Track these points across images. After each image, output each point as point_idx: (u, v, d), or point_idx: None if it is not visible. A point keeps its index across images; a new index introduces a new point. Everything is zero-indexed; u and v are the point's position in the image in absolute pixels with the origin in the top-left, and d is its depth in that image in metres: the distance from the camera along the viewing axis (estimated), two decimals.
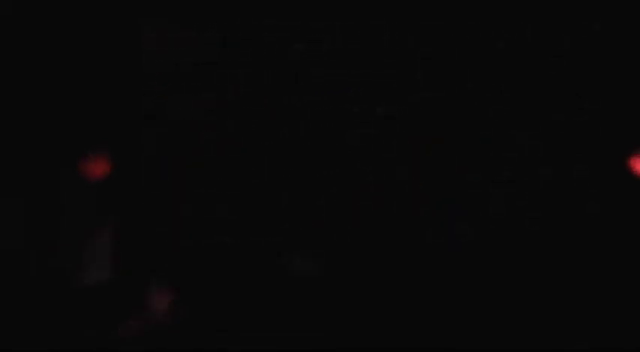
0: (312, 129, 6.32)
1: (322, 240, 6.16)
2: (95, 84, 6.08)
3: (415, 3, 6.22)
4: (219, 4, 6.28)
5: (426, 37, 6.25)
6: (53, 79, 6.00)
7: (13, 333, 5.18)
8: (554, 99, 6.20)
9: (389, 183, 6.27)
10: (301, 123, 6.33)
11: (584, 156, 6.17)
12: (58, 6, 6.02)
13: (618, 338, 5.33)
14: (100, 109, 6.09)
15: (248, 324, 5.46)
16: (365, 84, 6.28)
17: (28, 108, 5.93)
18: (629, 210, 6.03)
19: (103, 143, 6.08)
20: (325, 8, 6.23)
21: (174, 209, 6.21)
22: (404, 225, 6.18)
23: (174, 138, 6.31)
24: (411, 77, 6.27)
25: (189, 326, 5.24)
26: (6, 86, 5.88)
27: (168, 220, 6.17)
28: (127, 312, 5.03)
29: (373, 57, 6.28)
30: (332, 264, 6.03)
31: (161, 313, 4.89)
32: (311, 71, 6.30)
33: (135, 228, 6.05)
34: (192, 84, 6.31)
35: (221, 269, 5.92)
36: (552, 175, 6.19)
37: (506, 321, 5.55)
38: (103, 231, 5.70)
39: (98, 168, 6.03)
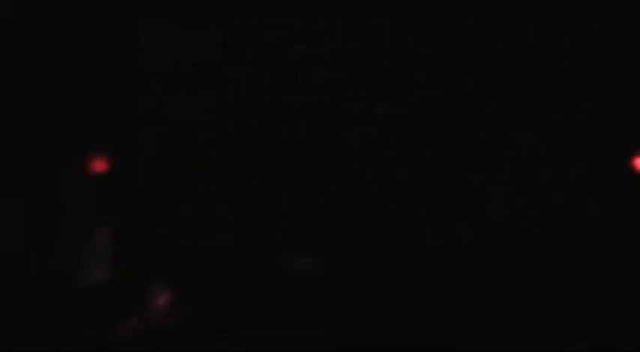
0: (312, 129, 6.32)
1: (322, 240, 6.16)
2: (95, 84, 6.08)
3: (415, 3, 6.22)
4: (219, 4, 6.28)
5: (426, 37, 6.25)
6: (53, 79, 6.00)
7: (13, 333, 5.18)
8: (554, 99, 6.20)
9: (389, 183, 6.27)
10: (301, 123, 6.33)
11: (584, 156, 6.17)
12: (58, 6, 6.02)
13: (618, 338, 5.33)
14: (100, 109, 6.09)
15: (248, 324, 5.46)
16: (365, 84, 6.28)
17: (28, 108, 5.93)
18: (629, 210, 6.03)
19: (103, 143, 6.08)
20: (325, 8, 6.23)
21: (174, 209, 6.21)
22: (404, 225, 6.18)
23: (174, 138, 6.31)
24: (411, 77, 6.27)
25: (189, 326, 5.24)
26: (6, 86, 5.87)
27: (168, 220, 6.17)
28: (126, 312, 5.03)
29: (373, 57, 6.28)
30: (332, 263, 6.03)
31: (161, 313, 4.88)
32: (311, 71, 6.30)
33: (135, 228, 6.05)
34: (192, 84, 6.31)
35: (221, 269, 5.92)
36: (552, 175, 6.19)
37: (506, 321, 5.55)
38: (103, 231, 5.70)
39: (98, 167, 6.03)
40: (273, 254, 6.08)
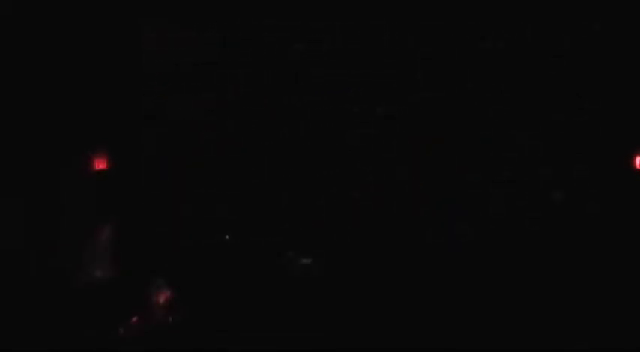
0: (312, 129, 6.33)
1: (322, 240, 6.16)
2: (95, 84, 6.08)
3: (415, 3, 6.22)
4: (219, 4, 6.28)
5: (426, 37, 6.25)
6: (53, 79, 5.99)
7: (13, 333, 5.18)
8: (554, 99, 6.20)
9: (389, 183, 6.27)
10: (301, 123, 6.33)
11: (584, 156, 6.17)
12: (58, 6, 6.02)
13: (618, 338, 5.33)
14: (101, 109, 6.09)
15: (248, 324, 5.46)
16: (365, 84, 6.28)
17: (28, 108, 5.93)
18: (629, 210, 6.02)
19: (104, 142, 6.08)
20: (325, 8, 6.23)
21: (174, 209, 6.21)
22: (404, 225, 6.18)
23: (174, 138, 6.31)
24: (411, 77, 6.27)
25: (189, 326, 5.24)
26: (6, 86, 5.87)
27: (168, 220, 6.17)
28: (127, 311, 5.04)
29: (373, 57, 6.28)
30: (332, 263, 6.03)
31: (161, 312, 4.89)
32: (311, 71, 6.30)
33: (135, 228, 6.05)
34: (192, 84, 6.31)
35: (221, 269, 5.92)
36: (552, 175, 6.19)
37: (506, 321, 5.55)
38: (103, 230, 5.70)
39: (99, 166, 6.04)
40: (273, 254, 6.08)
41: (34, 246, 5.80)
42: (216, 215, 6.20)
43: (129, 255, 5.86)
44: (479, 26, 6.23)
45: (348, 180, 6.30)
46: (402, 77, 6.27)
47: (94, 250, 5.67)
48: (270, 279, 5.90)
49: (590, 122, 6.16)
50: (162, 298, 4.89)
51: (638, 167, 6.04)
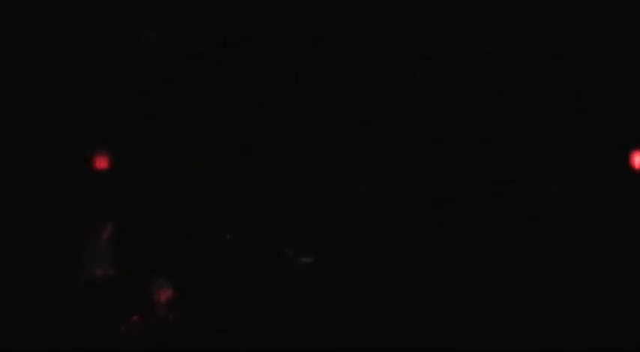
0: (312, 129, 6.33)
1: (322, 240, 6.16)
2: (95, 84, 6.08)
3: (415, 3, 6.23)
4: (219, 4, 6.28)
5: (426, 37, 6.25)
6: (53, 79, 6.00)
7: (13, 333, 5.17)
8: (554, 99, 6.20)
9: (389, 183, 6.27)
10: (301, 123, 6.34)
11: (584, 156, 6.17)
12: (58, 6, 6.02)
13: (618, 338, 5.33)
14: (101, 109, 6.09)
15: (248, 324, 5.45)
16: (365, 84, 6.28)
17: (28, 108, 5.93)
18: (629, 210, 6.03)
19: (104, 142, 6.08)
20: (325, 8, 6.24)
21: (174, 209, 6.21)
22: (404, 225, 6.18)
23: (174, 138, 6.31)
24: (411, 77, 6.27)
25: (189, 326, 5.24)
26: (6, 86, 5.87)
27: (168, 220, 6.17)
28: (127, 312, 5.03)
29: (373, 57, 6.29)
30: (332, 263, 6.03)
31: (162, 312, 4.88)
32: (311, 71, 6.31)
33: (135, 228, 6.05)
34: (192, 84, 6.32)
35: (221, 269, 5.92)
36: (552, 175, 6.19)
37: (506, 321, 5.55)
38: (103, 230, 5.70)
39: (99, 165, 6.04)
40: (273, 254, 6.08)
41: (34, 246, 5.80)
42: (216, 215, 6.20)
43: (129, 255, 5.85)
44: (479, 26, 6.24)
45: (348, 180, 6.30)
46: (402, 77, 6.27)
47: (94, 250, 5.67)
48: (270, 279, 5.90)
49: (590, 122, 6.16)
50: (162, 297, 4.89)
51: (638, 167, 6.04)
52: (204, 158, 6.29)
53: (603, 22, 6.13)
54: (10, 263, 5.66)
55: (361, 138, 6.32)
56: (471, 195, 6.20)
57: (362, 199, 6.26)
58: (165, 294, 4.87)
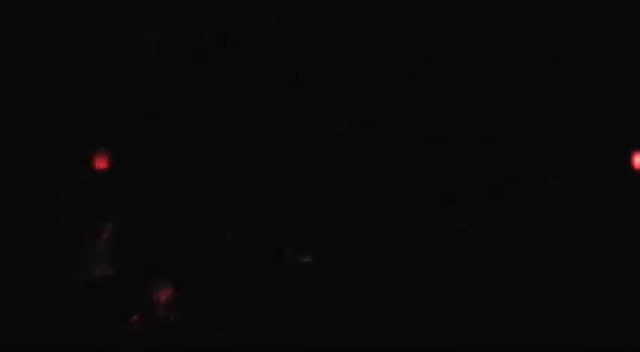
0: (312, 129, 6.33)
1: (322, 240, 6.16)
2: (95, 84, 6.08)
3: (415, 3, 6.23)
4: (219, 4, 6.28)
5: (426, 37, 6.25)
6: (53, 79, 6.00)
7: (13, 333, 5.17)
8: (554, 99, 6.20)
9: (389, 183, 6.27)
10: (301, 123, 6.34)
11: (584, 156, 6.17)
12: (58, 6, 6.02)
13: (618, 338, 5.32)
14: (101, 109, 6.09)
15: (248, 324, 5.45)
16: (365, 84, 6.28)
17: (28, 108, 5.93)
18: (629, 210, 6.03)
19: (104, 142, 6.08)
20: (325, 8, 6.24)
21: (174, 209, 6.21)
22: (404, 225, 6.18)
23: (174, 138, 6.31)
24: (411, 77, 6.27)
25: (189, 326, 5.23)
26: (6, 86, 5.87)
27: (168, 220, 6.17)
28: (127, 312, 5.03)
29: (373, 57, 6.29)
30: (332, 263, 6.03)
31: (162, 312, 4.88)
32: (311, 71, 6.31)
33: (135, 228, 6.05)
34: (192, 84, 6.32)
35: (221, 269, 5.92)
36: (552, 175, 6.19)
37: (506, 321, 5.55)
38: (103, 230, 5.69)
39: (99, 165, 6.04)
40: (273, 254, 6.08)
41: (34, 246, 5.80)
42: (216, 215, 6.20)
43: (129, 255, 5.85)
44: (479, 26, 6.24)
45: (348, 180, 6.30)
46: (402, 77, 6.27)
47: (94, 250, 5.66)
48: (270, 279, 5.90)
49: (590, 122, 6.16)
50: (162, 297, 4.89)
51: (638, 167, 6.04)
52: (204, 158, 6.29)
53: (603, 22, 6.13)
54: (10, 263, 5.66)
55: (361, 138, 6.31)
56: (470, 195, 6.19)
57: (362, 199, 6.25)
58: (165, 294, 4.86)
